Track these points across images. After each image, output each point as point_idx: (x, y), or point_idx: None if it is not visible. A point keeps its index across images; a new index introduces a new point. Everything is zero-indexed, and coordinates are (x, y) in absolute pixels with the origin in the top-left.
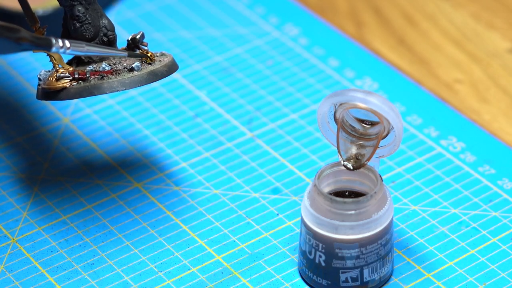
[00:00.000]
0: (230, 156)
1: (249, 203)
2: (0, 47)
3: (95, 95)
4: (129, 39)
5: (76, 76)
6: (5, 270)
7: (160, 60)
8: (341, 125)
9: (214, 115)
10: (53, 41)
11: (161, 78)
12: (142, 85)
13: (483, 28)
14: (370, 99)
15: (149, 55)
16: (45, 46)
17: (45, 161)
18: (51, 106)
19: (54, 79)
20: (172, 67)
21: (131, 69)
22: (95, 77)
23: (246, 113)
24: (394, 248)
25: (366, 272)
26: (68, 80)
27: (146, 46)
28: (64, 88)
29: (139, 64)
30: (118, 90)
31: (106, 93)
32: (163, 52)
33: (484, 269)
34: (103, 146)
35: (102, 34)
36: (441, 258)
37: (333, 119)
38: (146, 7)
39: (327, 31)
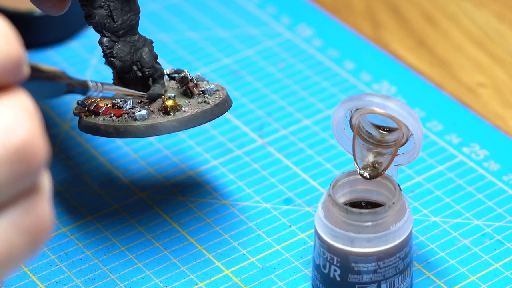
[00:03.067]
0: (240, 165)
1: (260, 214)
2: (48, 93)
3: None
4: (177, 79)
5: (91, 108)
6: (1, 286)
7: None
8: (357, 131)
9: (222, 121)
10: (90, 84)
11: (193, 126)
12: (173, 132)
13: (507, 28)
14: (388, 104)
15: (168, 104)
16: (84, 89)
17: None
18: (50, 111)
19: (77, 104)
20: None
21: (165, 112)
22: (111, 114)
23: (256, 118)
24: (413, 262)
25: (383, 287)
26: (82, 110)
27: (196, 84)
28: (80, 117)
29: (144, 114)
30: (137, 137)
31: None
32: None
33: (508, 284)
34: (104, 153)
35: (136, 69)
36: (463, 272)
37: (348, 125)
38: (150, 6)
39: (342, 31)
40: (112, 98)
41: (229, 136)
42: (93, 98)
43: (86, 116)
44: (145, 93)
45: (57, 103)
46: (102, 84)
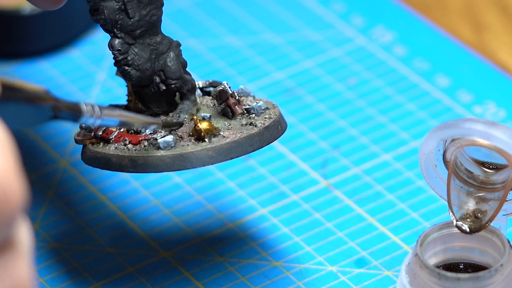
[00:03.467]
0: (296, 214)
1: (324, 280)
2: (27, 118)
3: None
4: (213, 93)
5: (100, 133)
6: None
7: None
8: (454, 169)
9: (273, 154)
10: (84, 107)
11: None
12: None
13: None
14: (494, 133)
15: (203, 127)
16: (76, 114)
17: (34, 221)
18: (44, 143)
19: (80, 129)
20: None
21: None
22: (126, 141)
23: (318, 152)
24: None
25: None
26: (87, 136)
27: (241, 101)
28: (84, 145)
29: (170, 141)
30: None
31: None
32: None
33: None
34: (116, 199)
35: (158, 81)
36: None
37: (442, 162)
38: (177, 3)
39: (433, 36)
40: (115, 128)
41: (282, 175)
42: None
43: (93, 144)
44: (160, 121)
45: (54, 130)
46: (101, 108)
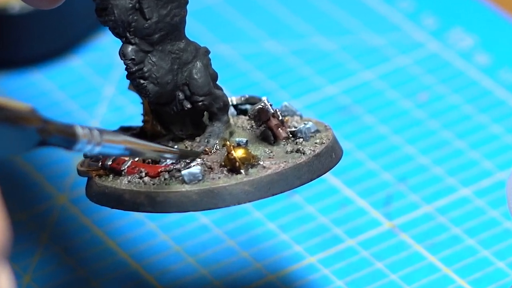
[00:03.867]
0: (353, 263)
1: None
2: (8, 143)
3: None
4: (250, 113)
5: (109, 163)
6: None
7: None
8: None
9: (324, 189)
10: (80, 131)
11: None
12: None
13: None
14: None
15: (237, 155)
16: (69, 139)
17: (25, 272)
18: (37, 174)
19: (84, 157)
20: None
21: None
22: (142, 173)
23: (381, 186)
24: None
25: None
26: (93, 167)
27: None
28: (90, 178)
29: (197, 172)
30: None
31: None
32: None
33: None
34: (127, 244)
35: (182, 97)
36: None
37: None
38: (204, 0)
39: None
40: (119, 158)
41: (335, 214)
42: None
43: (100, 176)
44: (176, 148)
45: (50, 159)
46: (102, 132)
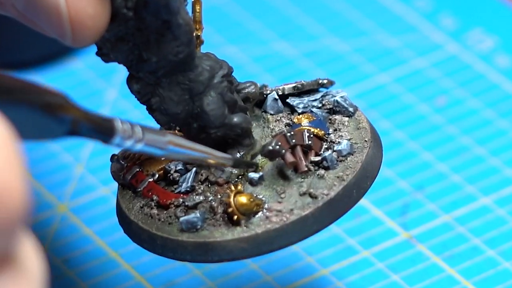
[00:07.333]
0: (368, 275)
1: None
2: (34, 129)
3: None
4: (262, 153)
5: (129, 177)
6: None
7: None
8: None
9: None
10: (118, 125)
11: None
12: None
13: None
14: None
15: (239, 202)
16: (105, 133)
17: None
18: (36, 182)
19: (111, 161)
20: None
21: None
22: (154, 200)
23: (397, 194)
24: None
25: None
26: (119, 174)
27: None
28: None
29: (195, 220)
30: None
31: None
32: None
33: None
34: (131, 256)
35: (195, 126)
36: None
37: None
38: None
39: None
40: (138, 174)
41: (349, 224)
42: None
43: (123, 187)
44: (230, 156)
45: (49, 165)
46: (144, 128)
